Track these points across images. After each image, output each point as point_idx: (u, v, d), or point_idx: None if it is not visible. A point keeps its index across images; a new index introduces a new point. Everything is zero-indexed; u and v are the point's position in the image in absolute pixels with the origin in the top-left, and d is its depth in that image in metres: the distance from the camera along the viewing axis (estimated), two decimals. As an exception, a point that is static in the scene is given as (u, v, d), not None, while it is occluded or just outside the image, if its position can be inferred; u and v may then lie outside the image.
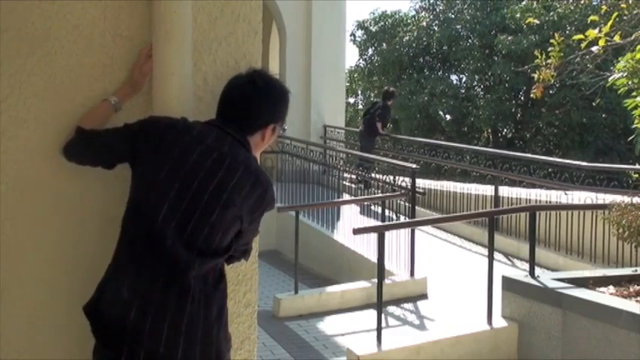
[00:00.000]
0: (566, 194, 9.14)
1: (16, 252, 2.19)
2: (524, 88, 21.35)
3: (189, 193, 1.96)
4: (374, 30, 26.17)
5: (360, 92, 29.29)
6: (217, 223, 1.97)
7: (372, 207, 10.01)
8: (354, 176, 11.85)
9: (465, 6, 23.93)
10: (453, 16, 24.31)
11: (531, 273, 5.90)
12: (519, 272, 6.90)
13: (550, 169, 10.04)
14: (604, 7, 6.44)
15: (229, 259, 2.13)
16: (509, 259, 8.85)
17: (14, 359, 2.19)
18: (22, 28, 2.17)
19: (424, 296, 7.47)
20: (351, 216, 9.18)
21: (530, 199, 9.28)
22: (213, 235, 1.97)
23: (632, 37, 5.61)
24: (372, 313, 5.99)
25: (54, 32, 2.20)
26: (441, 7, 25.18)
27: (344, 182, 11.97)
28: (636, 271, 5.86)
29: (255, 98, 2.13)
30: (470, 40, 23.50)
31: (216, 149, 2.02)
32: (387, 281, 7.05)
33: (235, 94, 2.14)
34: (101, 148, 2.12)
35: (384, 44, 25.66)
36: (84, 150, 2.13)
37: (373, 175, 10.79)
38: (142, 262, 1.95)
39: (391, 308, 6.92)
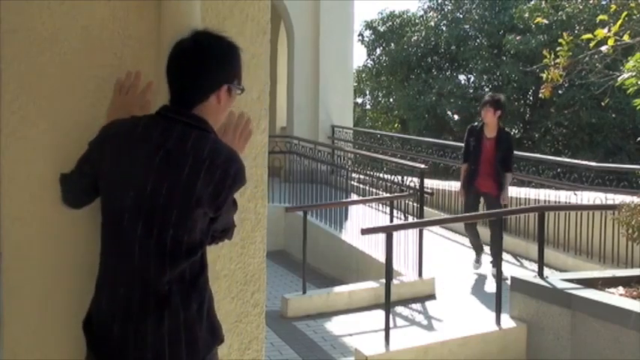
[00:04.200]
0: (575, 194, 9.11)
1: (24, 251, 2.20)
2: (533, 88, 21.27)
3: (145, 199, 1.91)
4: (382, 30, 26.11)
5: (367, 92, 29.23)
6: (180, 224, 1.91)
7: (380, 207, 10.00)
8: (362, 176, 11.84)
9: (474, 6, 23.86)
10: (461, 15, 24.24)
11: (540, 273, 5.87)
12: (528, 273, 6.88)
13: (559, 170, 10.00)
14: (613, 7, 6.42)
15: (211, 241, 2.08)
16: (518, 260, 8.82)
17: (23, 359, 2.20)
18: (32, 29, 2.18)
19: (432, 296, 7.46)
20: (359, 216, 9.17)
21: (538, 200, 9.25)
22: (179, 236, 1.91)
23: (642, 37, 5.58)
24: (380, 314, 5.98)
25: (63, 33, 2.21)
26: (449, 7, 25.11)
27: (352, 182, 11.96)
28: (646, 271, 5.83)
29: (198, 58, 2.00)
30: (478, 40, 23.43)
31: (161, 146, 1.93)
32: (395, 281, 7.04)
33: (177, 59, 2.02)
34: (79, 181, 2.06)
35: (392, 44, 25.60)
36: (71, 190, 2.09)
37: (381, 175, 10.77)
38: (116, 274, 1.95)
39: (399, 308, 6.91)
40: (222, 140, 2.03)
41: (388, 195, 9.47)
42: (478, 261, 8.13)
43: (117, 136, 1.99)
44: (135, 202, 1.92)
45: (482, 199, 7.95)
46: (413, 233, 7.66)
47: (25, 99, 2.17)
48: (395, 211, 8.58)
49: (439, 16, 24.99)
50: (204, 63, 2.00)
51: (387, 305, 5.55)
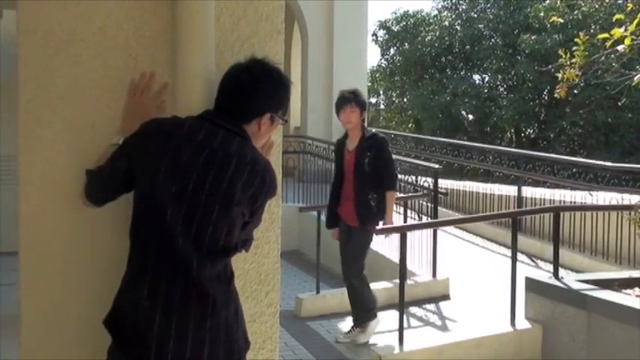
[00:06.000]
0: (590, 195, 9.04)
1: (41, 250, 2.21)
2: (548, 87, 21.15)
3: (187, 195, 1.94)
4: (396, 30, 26.09)
5: (381, 92, 29.20)
6: (220, 221, 1.96)
7: (394, 207, 9.97)
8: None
9: (488, 5, 23.77)
10: (475, 15, 24.16)
11: (555, 274, 5.84)
12: (543, 273, 6.83)
13: (574, 170, 9.94)
14: (630, 6, 6.35)
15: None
16: (533, 260, 8.77)
17: (39, 358, 2.21)
18: (48, 30, 2.20)
19: (446, 297, 7.43)
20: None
21: (554, 200, 9.19)
22: (217, 233, 1.96)
23: (659, 36, 5.53)
24: (394, 314, 5.97)
25: (79, 33, 2.22)
26: (463, 7, 25.04)
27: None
28: (663, 272, 5.78)
29: (248, 85, 2.09)
30: (493, 40, 23.33)
31: (207, 145, 1.99)
32: (409, 282, 7.02)
33: (230, 82, 2.11)
34: (111, 177, 2.08)
35: (406, 44, 25.57)
36: (100, 186, 2.10)
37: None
38: (157, 268, 1.95)
39: (413, 309, 6.89)
40: (259, 150, 2.14)
41: (402, 195, 9.45)
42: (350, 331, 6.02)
43: (161, 132, 2.02)
44: (177, 198, 1.95)
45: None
46: (427, 233, 7.63)
47: (42, 99, 2.19)
48: (409, 211, 8.55)
49: (453, 16, 24.92)
50: (256, 88, 2.09)
51: (401, 305, 5.54)
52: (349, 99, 5.58)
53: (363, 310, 5.81)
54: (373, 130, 6.00)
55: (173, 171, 1.96)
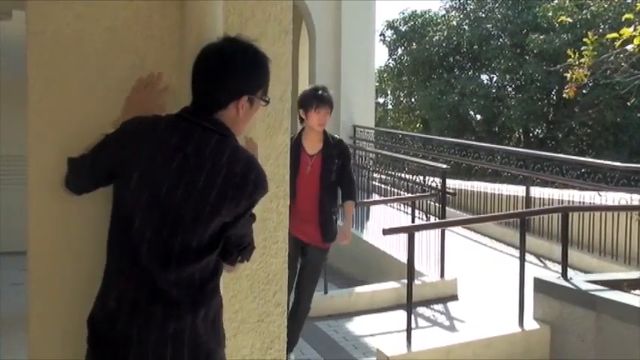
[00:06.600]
0: (599, 195, 8.99)
1: (49, 251, 2.22)
2: (557, 87, 21.09)
3: (160, 200, 1.90)
4: (404, 30, 26.07)
5: (389, 92, 29.18)
6: (190, 228, 1.90)
7: (402, 207, 9.97)
8: (383, 176, 11.81)
9: (496, 5, 23.72)
10: (483, 15, 24.11)
11: (564, 275, 5.82)
12: (551, 274, 6.81)
13: (583, 170, 9.89)
14: (639, 5, 6.33)
15: (225, 256, 2.03)
16: (541, 261, 8.74)
17: (48, 359, 2.22)
18: (57, 30, 2.20)
19: (454, 297, 7.42)
20: (380, 216, 9.15)
21: (562, 200, 9.16)
22: (188, 239, 1.91)
23: (668, 35, 5.50)
24: (401, 314, 5.96)
25: (87, 34, 2.23)
26: (471, 7, 24.99)
27: (373, 182, 11.93)
28: (672, 273, 5.75)
29: (220, 66, 1.97)
30: (501, 40, 23.29)
31: (181, 150, 1.92)
32: (416, 282, 7.01)
33: (200, 66, 2.01)
34: (91, 168, 2.06)
35: (414, 44, 25.55)
36: (79, 175, 2.09)
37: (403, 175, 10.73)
38: (126, 273, 1.94)
39: (421, 309, 6.88)
40: (242, 146, 2.02)
41: (410, 195, 9.45)
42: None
43: (137, 134, 1.98)
44: (149, 203, 1.91)
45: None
46: (435, 234, 7.62)
47: (51, 100, 2.20)
48: (417, 212, 8.55)
49: (461, 16, 24.88)
50: (225, 70, 1.98)
51: (409, 306, 5.53)
52: (327, 99, 4.90)
53: (297, 338, 5.15)
54: (336, 135, 5.22)
55: (145, 179, 1.92)
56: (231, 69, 1.98)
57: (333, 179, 4.90)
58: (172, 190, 1.90)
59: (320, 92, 4.89)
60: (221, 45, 2.01)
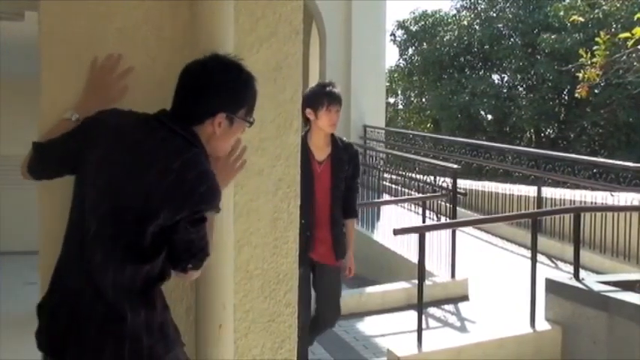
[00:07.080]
0: (612, 195, 8.94)
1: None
2: (568, 87, 20.97)
3: (108, 198, 1.89)
4: (414, 29, 26.00)
5: (400, 92, 29.12)
6: (132, 227, 1.87)
7: (412, 207, 9.95)
8: (394, 176, 11.79)
9: (507, 4, 23.63)
10: (494, 14, 24.03)
11: (576, 275, 5.79)
12: (563, 275, 6.78)
13: (595, 170, 9.83)
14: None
15: (174, 262, 1.95)
16: (553, 262, 8.70)
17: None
18: (69, 31, 2.21)
19: (465, 298, 7.40)
20: (391, 216, 9.13)
21: (574, 200, 9.11)
22: (131, 239, 1.87)
23: (682, 35, 5.46)
24: (412, 314, 5.95)
25: (99, 35, 2.23)
26: (482, 6, 24.91)
27: (384, 182, 11.92)
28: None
29: (199, 82, 1.95)
30: (512, 39, 23.20)
31: (136, 148, 1.90)
32: (427, 282, 6.99)
33: (182, 78, 1.99)
34: (60, 152, 2.04)
35: (425, 44, 25.48)
36: (45, 160, 2.06)
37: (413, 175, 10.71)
38: (71, 269, 1.94)
39: (432, 309, 6.87)
40: (206, 160, 1.95)
41: (421, 195, 9.43)
42: None
43: (105, 128, 1.97)
44: (96, 201, 1.90)
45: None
46: (446, 234, 7.61)
47: (63, 101, 2.20)
48: (427, 212, 8.53)
49: (472, 15, 24.80)
50: (204, 86, 1.95)
51: (420, 306, 5.52)
52: (338, 96, 4.31)
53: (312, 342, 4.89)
54: (344, 138, 4.66)
55: (99, 172, 1.92)
56: (209, 84, 1.95)
57: (343, 189, 4.38)
58: (122, 187, 1.88)
59: (329, 88, 4.31)
60: (205, 60, 1.99)
